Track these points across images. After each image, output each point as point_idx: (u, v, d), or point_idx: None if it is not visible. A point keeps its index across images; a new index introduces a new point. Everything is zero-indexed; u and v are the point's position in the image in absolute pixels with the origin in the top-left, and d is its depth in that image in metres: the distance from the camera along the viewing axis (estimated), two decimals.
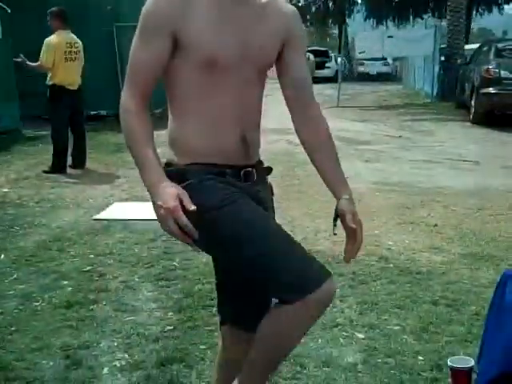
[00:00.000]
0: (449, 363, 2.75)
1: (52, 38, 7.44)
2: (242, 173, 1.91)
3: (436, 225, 5.32)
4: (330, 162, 2.05)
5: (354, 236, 1.97)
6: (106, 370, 2.94)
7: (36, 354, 3.09)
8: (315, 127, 2.05)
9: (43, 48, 7.39)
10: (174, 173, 1.85)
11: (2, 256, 4.55)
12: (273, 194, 2.11)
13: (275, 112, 15.14)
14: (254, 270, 1.79)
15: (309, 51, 33.53)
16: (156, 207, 1.74)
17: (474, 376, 2.64)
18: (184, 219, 1.69)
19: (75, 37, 7.68)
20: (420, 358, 3.03)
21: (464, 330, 3.29)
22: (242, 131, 1.89)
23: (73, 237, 5.02)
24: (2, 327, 3.39)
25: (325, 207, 5.94)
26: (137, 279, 4.10)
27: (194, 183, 1.82)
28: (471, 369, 2.69)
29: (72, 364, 2.99)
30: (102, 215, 5.63)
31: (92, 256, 4.56)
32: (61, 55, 7.41)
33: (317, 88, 14.90)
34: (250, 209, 1.83)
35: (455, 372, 2.70)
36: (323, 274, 1.81)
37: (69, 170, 7.74)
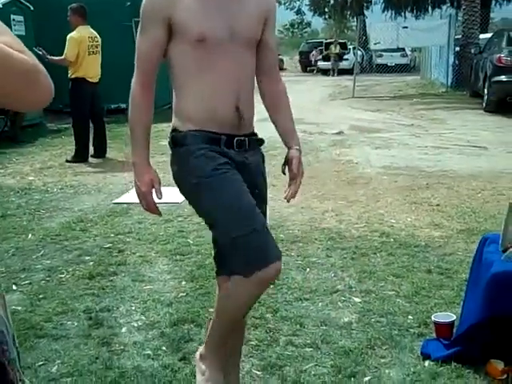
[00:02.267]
0: (433, 318, 3.04)
1: (75, 33, 7.80)
2: (235, 140, 2.21)
3: (438, 204, 5.58)
4: (285, 120, 2.42)
5: (294, 179, 2.36)
6: (124, 329, 3.27)
7: (62, 316, 3.43)
8: (276, 92, 2.40)
9: (67, 43, 7.74)
10: (178, 137, 2.21)
11: (30, 235, 4.90)
12: (264, 161, 2.41)
13: (291, 104, 15.47)
14: (219, 243, 2.25)
15: (327, 43, 33.85)
16: (135, 185, 2.23)
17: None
18: (151, 205, 2.23)
19: (95, 31, 8.04)
20: (410, 317, 3.31)
21: (453, 294, 3.56)
22: (236, 102, 2.17)
23: (94, 218, 5.36)
24: (31, 295, 3.73)
25: (333, 190, 6.25)
26: (153, 254, 4.42)
27: (191, 149, 2.16)
28: (453, 322, 2.98)
29: (94, 324, 3.32)
30: (122, 199, 5.96)
31: (112, 235, 4.89)
32: (84, 49, 7.77)
33: (334, 79, 15.44)
34: (228, 190, 2.13)
35: (438, 325, 2.99)
36: (274, 255, 2.13)
37: (91, 159, 8.12)
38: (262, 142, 2.39)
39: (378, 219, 5.18)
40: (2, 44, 1.02)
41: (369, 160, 7.81)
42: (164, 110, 6.29)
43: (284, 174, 2.39)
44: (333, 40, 33.08)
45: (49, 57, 8.01)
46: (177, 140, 2.21)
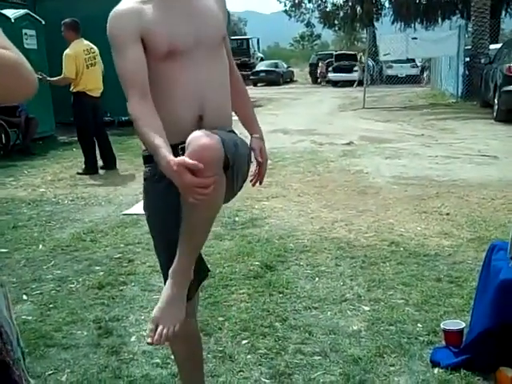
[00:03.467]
0: (442, 326, 3.03)
1: (69, 50, 7.90)
2: (179, 148, 2.06)
3: (448, 213, 5.56)
4: (245, 107, 2.47)
5: (260, 167, 2.41)
6: (133, 338, 3.28)
7: (71, 325, 3.45)
8: (237, 86, 2.40)
9: (64, 61, 7.85)
10: (143, 156, 2.22)
11: (41, 246, 4.93)
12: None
13: (302, 115, 15.57)
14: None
15: (337, 55, 33.96)
16: (170, 172, 1.88)
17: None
18: (194, 180, 1.84)
19: (90, 43, 8.09)
20: (419, 325, 3.30)
21: (462, 302, 3.54)
22: (198, 111, 2.12)
23: (104, 229, 5.39)
24: (42, 305, 3.75)
25: (343, 200, 6.25)
26: None
27: (145, 181, 2.23)
28: (462, 330, 2.97)
29: (103, 333, 3.34)
30: (132, 210, 5.99)
31: (122, 245, 4.91)
32: (82, 63, 7.85)
33: (344, 91, 15.47)
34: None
35: (447, 333, 2.98)
36: None
37: (101, 171, 8.17)
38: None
39: (388, 228, 5.17)
40: None
41: (379, 170, 7.81)
42: None
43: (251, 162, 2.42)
44: (360, 51, 32.89)
45: (48, 78, 8.13)
46: (143, 160, 2.23)
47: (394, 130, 12.01)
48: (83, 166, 8.12)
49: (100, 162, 8.30)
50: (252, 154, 2.34)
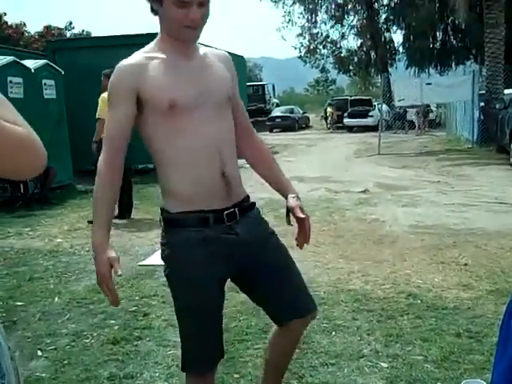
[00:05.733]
0: None
1: (106, 94, 7.98)
2: (224, 215, 2.17)
3: (466, 264, 5.50)
4: (274, 171, 2.45)
5: (303, 225, 2.35)
6: None
7: (85, 383, 3.41)
8: (259, 148, 2.44)
9: (100, 103, 7.94)
10: (166, 219, 2.20)
11: (56, 299, 4.93)
12: (261, 217, 2.39)
13: (317, 162, 15.61)
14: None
15: (352, 101, 34.14)
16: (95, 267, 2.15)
17: None
18: (110, 286, 2.13)
19: None
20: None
21: (483, 359, 3.47)
22: (221, 166, 2.14)
23: (120, 281, 5.36)
24: (56, 361, 3.73)
25: (359, 250, 6.20)
26: None
27: (171, 245, 2.20)
28: None
29: None
30: (148, 261, 5.99)
31: (137, 298, 4.89)
32: None
33: (359, 137, 15.46)
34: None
35: None
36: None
37: (116, 220, 8.17)
38: (252, 206, 2.35)
39: (405, 280, 5.12)
40: None
41: (395, 218, 7.77)
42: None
43: (290, 224, 2.38)
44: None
45: (94, 140, 8.14)
46: (165, 222, 2.20)
47: (409, 177, 12.01)
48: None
49: (116, 211, 8.30)
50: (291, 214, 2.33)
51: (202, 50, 2.26)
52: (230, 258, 2.18)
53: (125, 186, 8.31)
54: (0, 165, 1.10)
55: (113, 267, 2.10)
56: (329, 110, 34.35)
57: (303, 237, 2.37)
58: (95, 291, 5.07)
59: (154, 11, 2.13)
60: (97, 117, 7.97)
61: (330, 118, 34.33)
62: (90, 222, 7.84)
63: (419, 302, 4.54)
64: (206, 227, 2.13)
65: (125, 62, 2.15)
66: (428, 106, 26.36)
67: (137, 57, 2.15)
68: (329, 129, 34.18)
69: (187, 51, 2.17)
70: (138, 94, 2.09)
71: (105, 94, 8.01)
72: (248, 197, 2.33)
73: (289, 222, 2.37)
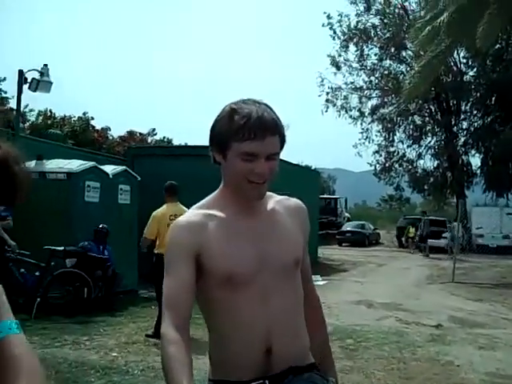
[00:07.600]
0: None
1: (158, 211, 8.03)
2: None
3: None
4: (323, 340, 2.22)
5: None
6: None
7: None
8: (314, 316, 2.16)
9: (149, 221, 7.95)
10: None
11: None
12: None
13: (387, 285, 15.04)
14: None
15: (426, 220, 33.25)
16: None
17: None
18: None
19: (184, 207, 7.90)
20: None
21: None
22: (266, 343, 1.91)
23: None
24: None
25: None
26: None
27: None
28: None
29: None
30: None
31: None
32: (164, 227, 7.69)
33: (431, 258, 14.85)
34: None
35: None
36: None
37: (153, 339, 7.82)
38: (311, 367, 2.03)
39: None
40: None
41: (471, 363, 7.15)
42: None
43: None
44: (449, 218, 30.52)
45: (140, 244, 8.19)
46: None
47: (486, 312, 11.30)
48: (153, 329, 7.80)
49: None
50: None
51: (270, 203, 2.06)
52: None
53: None
54: None
55: None
56: (411, 230, 32.91)
57: None
58: None
59: (216, 162, 1.98)
60: (143, 235, 8.04)
61: (411, 239, 32.84)
62: (148, 336, 7.63)
63: None
64: None
65: (183, 218, 2.01)
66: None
67: (196, 215, 2.00)
68: (406, 247, 32.86)
69: (250, 210, 1.99)
70: (199, 260, 1.91)
71: (158, 210, 8.04)
72: (312, 364, 2.04)
73: None
